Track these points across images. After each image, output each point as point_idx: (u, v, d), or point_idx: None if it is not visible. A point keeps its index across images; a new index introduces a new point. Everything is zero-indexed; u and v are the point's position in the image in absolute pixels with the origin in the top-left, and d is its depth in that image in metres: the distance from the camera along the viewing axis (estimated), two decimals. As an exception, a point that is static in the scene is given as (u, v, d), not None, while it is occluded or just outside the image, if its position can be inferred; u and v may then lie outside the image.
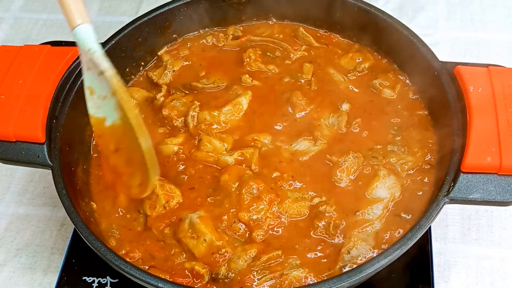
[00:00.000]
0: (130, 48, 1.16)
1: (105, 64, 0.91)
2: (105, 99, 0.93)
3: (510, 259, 1.10)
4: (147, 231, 0.98)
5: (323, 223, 0.96)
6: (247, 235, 0.96)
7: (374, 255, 0.92)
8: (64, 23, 1.62)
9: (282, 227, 0.97)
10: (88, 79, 0.94)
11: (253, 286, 0.91)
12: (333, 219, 0.96)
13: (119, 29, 1.14)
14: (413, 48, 1.09)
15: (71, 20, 0.91)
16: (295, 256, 0.94)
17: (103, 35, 1.50)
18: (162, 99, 1.13)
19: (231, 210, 0.97)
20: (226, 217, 0.97)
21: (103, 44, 1.11)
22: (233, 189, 0.99)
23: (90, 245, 0.88)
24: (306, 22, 1.25)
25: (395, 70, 1.16)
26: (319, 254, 0.94)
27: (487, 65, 1.01)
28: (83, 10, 0.92)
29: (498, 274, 1.08)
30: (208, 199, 1.00)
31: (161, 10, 1.17)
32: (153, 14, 1.17)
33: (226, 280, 0.92)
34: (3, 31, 1.58)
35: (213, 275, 0.93)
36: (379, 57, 1.19)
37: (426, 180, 1.01)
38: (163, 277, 0.88)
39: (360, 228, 0.96)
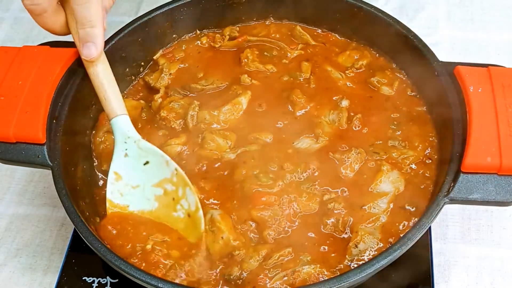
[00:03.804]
0: (130, 48, 1.16)
1: (166, 156, 0.97)
2: (136, 188, 0.97)
3: (510, 259, 1.10)
4: None
5: (332, 220, 0.97)
6: (257, 234, 0.96)
7: (382, 248, 0.94)
8: (64, 23, 1.62)
9: (292, 225, 0.97)
10: (119, 165, 0.97)
11: (266, 285, 0.91)
12: (342, 215, 0.97)
13: (119, 29, 1.14)
14: (413, 48, 1.09)
15: (112, 110, 0.96)
16: (306, 253, 0.94)
17: (103, 35, 1.51)
18: (160, 100, 1.13)
19: (243, 207, 0.97)
20: (238, 214, 0.97)
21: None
22: (246, 186, 0.99)
23: (90, 245, 0.88)
24: (305, 22, 1.25)
25: (392, 68, 1.17)
26: (328, 249, 0.95)
27: (487, 65, 1.01)
28: (123, 102, 0.98)
29: (498, 274, 1.08)
30: (219, 195, 1.00)
31: (161, 10, 1.17)
32: (153, 14, 1.17)
33: (238, 281, 0.92)
34: (3, 31, 1.58)
35: (226, 277, 0.93)
36: (377, 55, 1.20)
37: (427, 174, 1.01)
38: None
39: (367, 222, 0.97)
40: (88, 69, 0.98)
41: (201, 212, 0.95)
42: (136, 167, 0.97)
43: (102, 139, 1.10)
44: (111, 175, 0.97)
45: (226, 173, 1.03)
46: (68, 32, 1.00)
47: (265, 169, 1.02)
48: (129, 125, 0.97)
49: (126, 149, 0.97)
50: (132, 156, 0.97)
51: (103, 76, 0.97)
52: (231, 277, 0.92)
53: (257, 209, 0.97)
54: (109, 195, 0.96)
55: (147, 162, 0.97)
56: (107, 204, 0.96)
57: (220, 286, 0.92)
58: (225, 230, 0.95)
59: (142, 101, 1.15)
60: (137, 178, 0.98)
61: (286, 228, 0.97)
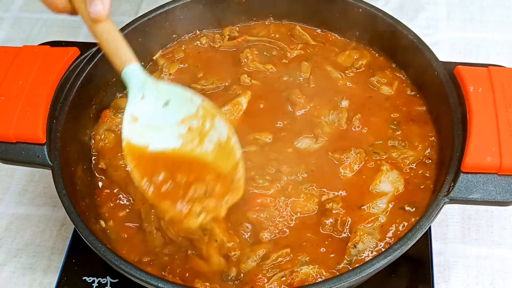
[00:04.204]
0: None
1: (189, 92, 0.92)
2: (155, 129, 0.92)
3: (510, 259, 1.10)
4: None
5: (330, 220, 0.97)
6: (253, 236, 0.96)
7: (381, 248, 0.94)
8: (64, 23, 1.63)
9: (290, 226, 0.97)
10: (135, 107, 0.92)
11: (264, 285, 0.91)
12: (340, 215, 0.97)
13: (119, 29, 1.14)
14: (413, 48, 1.09)
15: (126, 58, 0.92)
16: (304, 253, 0.94)
17: (103, 35, 1.51)
18: (160, 100, 1.13)
19: (239, 209, 0.97)
20: (233, 216, 0.96)
21: (103, 44, 1.11)
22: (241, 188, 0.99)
23: (90, 245, 0.88)
24: (305, 22, 1.25)
25: (392, 68, 1.17)
26: (326, 250, 0.95)
27: (487, 65, 1.01)
28: (130, 51, 0.93)
29: (498, 274, 1.08)
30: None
31: (161, 10, 1.17)
32: (153, 14, 1.17)
33: (236, 281, 0.92)
34: (3, 31, 1.58)
35: (223, 277, 0.93)
36: (376, 54, 1.20)
37: (427, 174, 1.01)
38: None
39: (366, 222, 0.97)
40: (94, 30, 0.93)
41: (234, 139, 0.92)
42: (155, 109, 0.92)
43: (102, 136, 1.09)
44: (126, 117, 0.91)
45: None
46: (70, 10, 0.97)
47: (262, 170, 1.01)
48: (143, 71, 0.93)
49: (143, 92, 0.92)
50: (150, 98, 0.92)
51: (110, 32, 0.93)
52: (229, 277, 0.92)
53: (253, 210, 0.96)
54: (124, 135, 0.91)
55: (167, 103, 0.93)
56: (124, 144, 0.90)
57: (218, 286, 0.92)
58: (218, 232, 0.94)
59: None
60: (157, 119, 0.93)
61: (284, 229, 0.97)
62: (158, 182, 0.89)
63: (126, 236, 1.00)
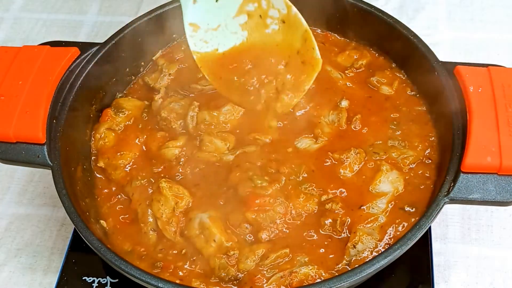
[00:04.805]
0: (130, 48, 1.16)
1: None
2: (218, 28, 0.94)
3: (510, 259, 1.10)
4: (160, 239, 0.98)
5: (330, 220, 0.96)
6: (252, 236, 0.96)
7: (380, 249, 0.93)
8: (64, 23, 1.63)
9: (290, 226, 0.97)
10: (191, 15, 0.94)
11: (263, 285, 0.91)
12: (340, 215, 0.97)
13: (119, 29, 1.14)
14: (413, 48, 1.09)
15: None
16: (303, 254, 0.94)
17: (103, 35, 1.51)
18: (160, 100, 1.12)
19: (238, 210, 0.97)
20: (232, 216, 0.97)
21: (104, 44, 1.11)
22: (240, 188, 0.99)
23: (90, 245, 0.88)
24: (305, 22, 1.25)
25: (392, 68, 1.17)
26: (326, 250, 0.95)
27: (487, 65, 1.01)
28: None
29: (498, 274, 1.08)
30: (215, 198, 1.00)
31: (161, 10, 1.17)
32: (153, 14, 1.17)
33: (235, 281, 0.92)
34: (3, 31, 1.58)
35: (222, 277, 0.93)
36: (376, 54, 1.20)
37: (427, 174, 1.01)
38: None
39: (365, 222, 0.96)
40: None
41: (294, 9, 0.93)
42: (209, 8, 0.94)
43: (102, 135, 1.09)
44: (187, 29, 0.94)
45: (222, 175, 1.02)
46: None
47: (261, 170, 1.01)
48: None
49: None
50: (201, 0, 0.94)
51: None
52: (228, 277, 0.92)
53: (252, 211, 0.96)
54: (193, 48, 0.94)
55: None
56: (195, 57, 0.93)
57: (217, 286, 0.92)
58: (216, 232, 0.94)
59: (146, 102, 1.15)
60: (215, 18, 0.95)
61: (284, 230, 0.97)
62: (239, 83, 0.92)
63: (119, 227, 1.01)
